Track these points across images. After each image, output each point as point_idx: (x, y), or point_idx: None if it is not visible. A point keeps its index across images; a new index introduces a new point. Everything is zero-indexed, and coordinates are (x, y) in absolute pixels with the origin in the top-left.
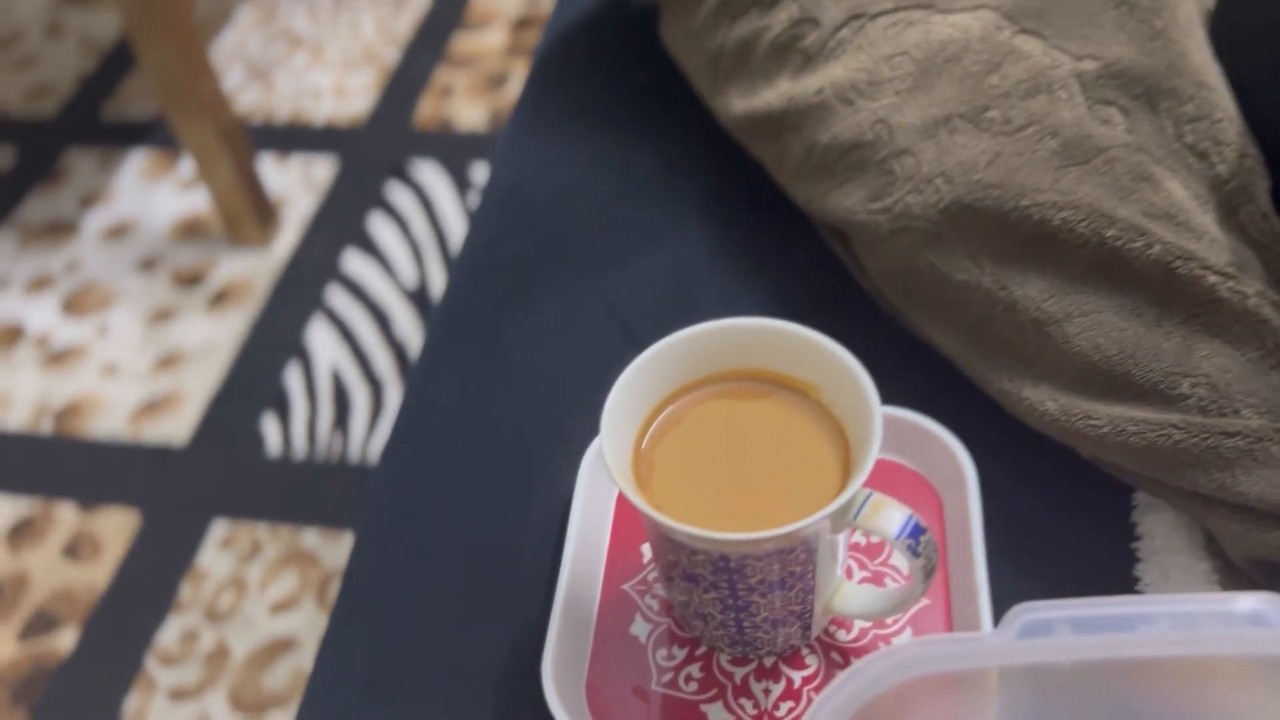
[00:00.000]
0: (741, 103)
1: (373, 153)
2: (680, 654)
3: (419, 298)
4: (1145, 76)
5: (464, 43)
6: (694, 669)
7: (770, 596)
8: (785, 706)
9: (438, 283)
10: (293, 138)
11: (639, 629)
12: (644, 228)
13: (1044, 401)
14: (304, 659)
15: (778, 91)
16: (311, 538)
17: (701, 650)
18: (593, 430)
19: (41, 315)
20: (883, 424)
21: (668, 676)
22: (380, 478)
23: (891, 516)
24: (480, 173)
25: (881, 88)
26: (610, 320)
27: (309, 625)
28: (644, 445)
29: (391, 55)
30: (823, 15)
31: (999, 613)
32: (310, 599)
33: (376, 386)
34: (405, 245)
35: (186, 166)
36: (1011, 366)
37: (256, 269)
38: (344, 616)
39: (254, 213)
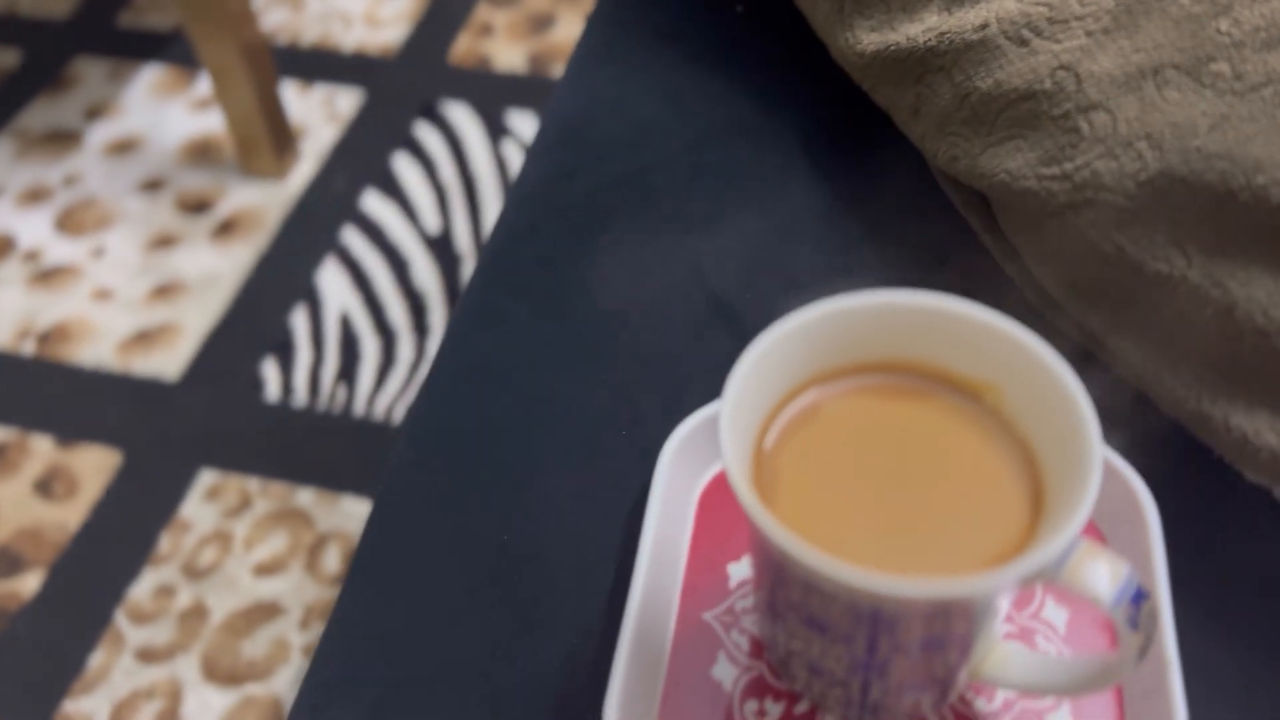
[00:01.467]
0: (874, 37)
1: (402, 87)
2: (775, 709)
3: (441, 246)
4: None
5: None
6: None
7: (915, 658)
8: None
9: (462, 232)
10: (318, 64)
11: (723, 672)
12: (739, 179)
13: (1261, 432)
14: (287, 628)
15: (924, 25)
16: (306, 497)
17: (802, 708)
18: (669, 415)
19: (34, 229)
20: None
21: None
22: (406, 446)
23: (1108, 573)
24: (517, 119)
25: (1068, 26)
26: (695, 284)
27: (295, 591)
28: (766, 446)
29: None
30: None
31: (1192, 697)
32: (299, 563)
33: (389, 338)
34: (430, 189)
35: (203, 85)
36: (1215, 385)
37: (268, 201)
38: (352, 612)
39: (271, 141)
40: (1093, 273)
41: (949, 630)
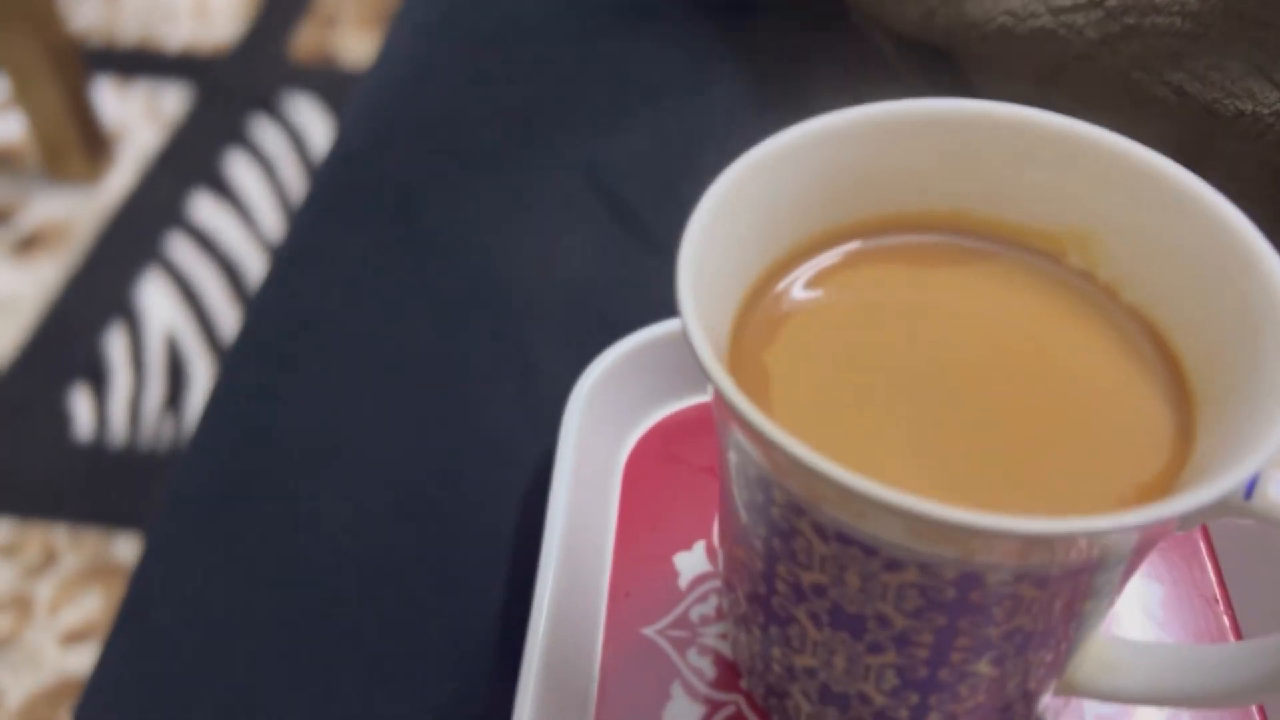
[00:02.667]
0: None
1: (236, 84)
2: None
3: None
4: None
5: None
6: None
7: (1006, 664)
8: None
9: None
10: (140, 61)
11: (681, 714)
12: (640, 74)
13: None
14: None
15: None
16: (125, 547)
17: None
18: (575, 361)
19: None
20: None
21: None
22: (205, 436)
23: None
24: None
25: None
26: (593, 196)
27: None
28: (745, 338)
29: None
30: None
31: None
32: None
33: (223, 356)
34: (269, 190)
35: (1, 86)
36: None
37: (79, 210)
38: (123, 660)
39: (81, 144)
40: (1137, 133)
41: (1066, 609)
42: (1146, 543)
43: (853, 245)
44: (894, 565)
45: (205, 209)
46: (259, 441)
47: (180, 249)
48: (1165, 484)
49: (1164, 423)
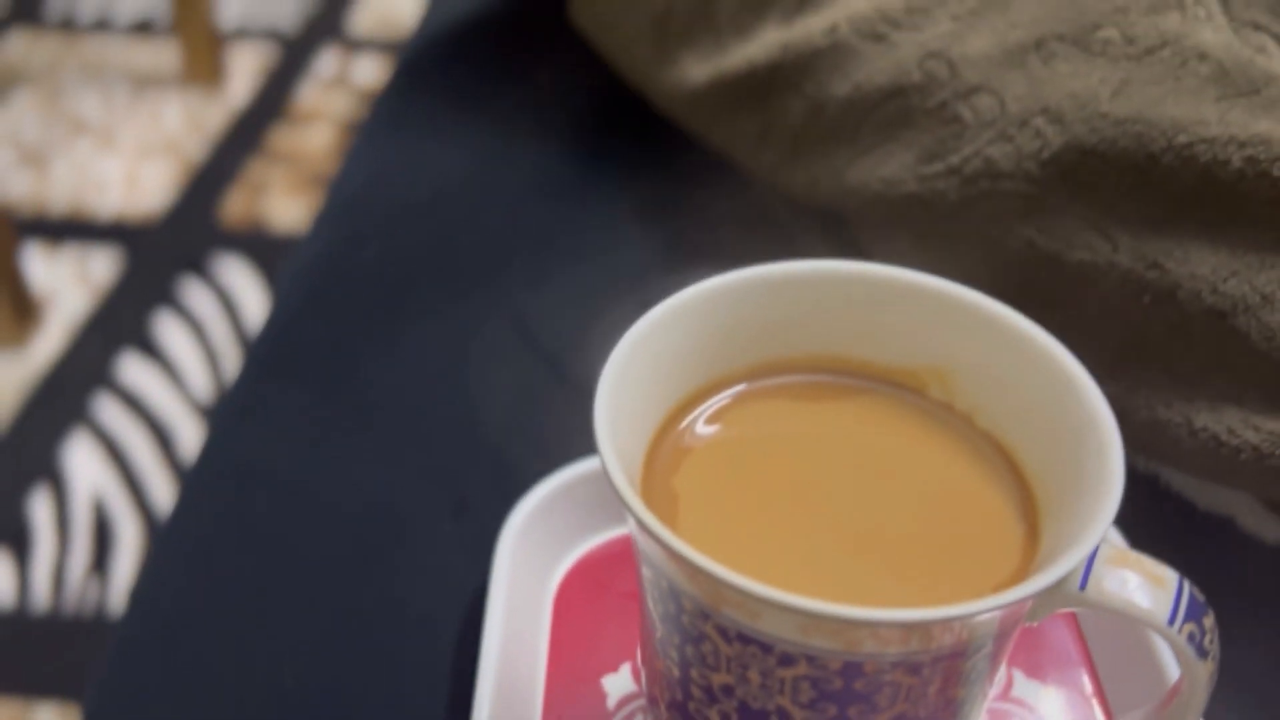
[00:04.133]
0: (705, 67)
1: (167, 249)
2: None
3: (213, 412)
4: None
5: (285, 138)
6: None
7: None
8: None
9: None
10: (70, 228)
11: None
12: (562, 236)
13: (1236, 430)
14: None
15: (762, 43)
16: (46, 716)
17: None
18: (507, 496)
19: None
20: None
21: None
22: (148, 581)
23: (1149, 581)
24: None
25: (929, 14)
26: (522, 346)
27: None
28: (655, 467)
29: (197, 146)
30: None
31: None
32: None
33: (151, 519)
34: (199, 351)
35: None
36: (1167, 387)
37: (5, 375)
38: None
39: (8, 309)
40: (998, 277)
41: (943, 695)
42: (1004, 631)
43: (744, 386)
44: (787, 660)
45: (134, 371)
46: (204, 581)
47: (108, 411)
48: (1018, 578)
49: (1016, 528)
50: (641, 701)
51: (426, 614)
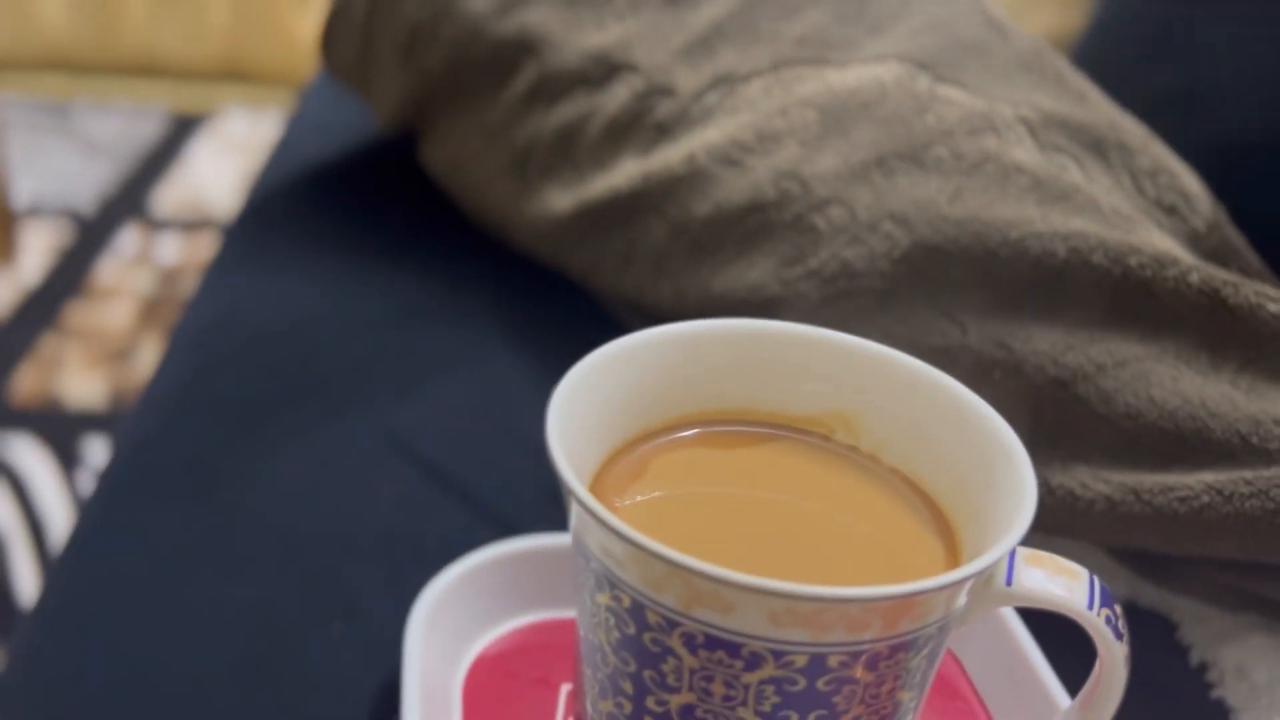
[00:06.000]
0: (568, 197)
1: None
2: None
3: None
4: (1089, 128)
5: (81, 314)
6: None
7: None
8: None
9: (27, 588)
10: None
11: None
12: (427, 353)
13: (1088, 484)
14: None
15: (625, 173)
16: None
17: None
18: (400, 599)
19: None
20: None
21: None
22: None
23: (1064, 575)
24: (98, 449)
25: (779, 141)
26: (399, 456)
27: None
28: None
29: None
30: (677, 83)
31: None
32: None
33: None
34: None
35: None
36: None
37: None
38: None
39: None
40: None
41: (889, 694)
42: (942, 629)
43: (669, 436)
44: (754, 662)
45: None
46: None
47: None
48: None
49: (935, 544)
50: None
51: (326, 716)
